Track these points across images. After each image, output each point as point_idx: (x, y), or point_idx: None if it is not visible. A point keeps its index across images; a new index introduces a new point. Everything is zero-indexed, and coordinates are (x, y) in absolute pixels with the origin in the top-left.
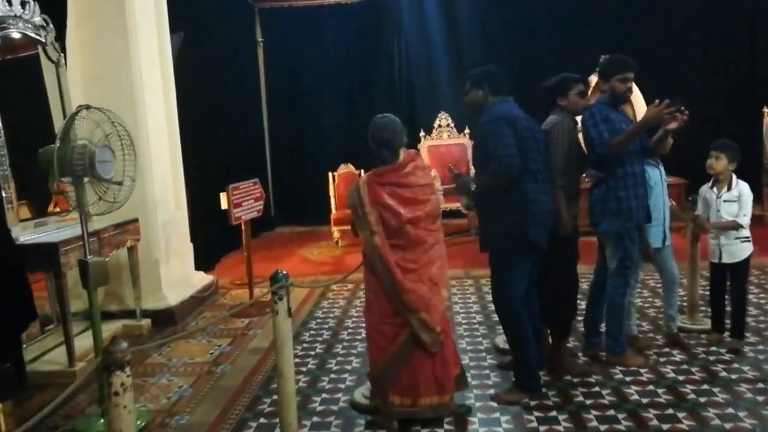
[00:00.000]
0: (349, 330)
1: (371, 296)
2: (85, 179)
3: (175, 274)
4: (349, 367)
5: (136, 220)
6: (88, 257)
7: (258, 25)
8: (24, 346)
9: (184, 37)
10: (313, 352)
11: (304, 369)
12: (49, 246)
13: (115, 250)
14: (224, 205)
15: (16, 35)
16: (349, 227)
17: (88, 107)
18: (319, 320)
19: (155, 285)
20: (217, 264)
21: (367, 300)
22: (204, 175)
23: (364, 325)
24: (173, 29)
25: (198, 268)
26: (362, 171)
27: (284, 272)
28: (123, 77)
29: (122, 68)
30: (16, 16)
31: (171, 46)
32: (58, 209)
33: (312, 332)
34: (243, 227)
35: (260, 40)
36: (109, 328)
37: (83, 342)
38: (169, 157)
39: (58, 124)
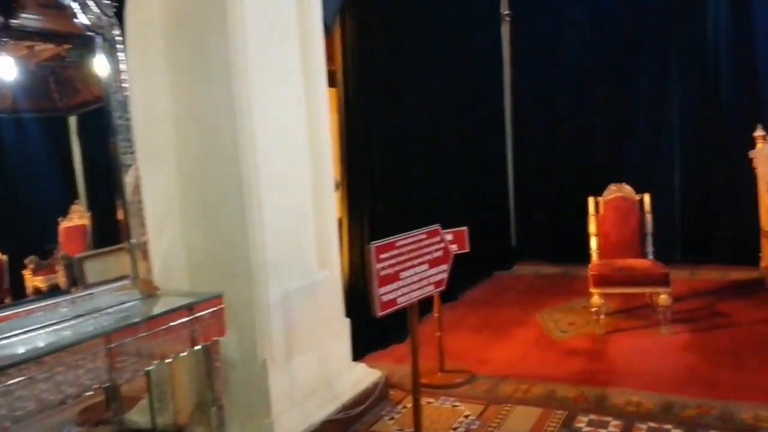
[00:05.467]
0: None
1: None
2: None
3: (305, 378)
4: None
5: (217, 297)
6: None
7: None
8: None
9: None
10: None
11: None
12: None
13: (165, 360)
14: None
15: None
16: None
17: None
18: None
19: (259, 405)
20: (406, 338)
21: None
22: (390, 205)
23: None
24: None
25: (360, 354)
26: (645, 196)
27: None
28: (214, 56)
29: (215, 42)
30: None
31: (323, 6)
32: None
33: None
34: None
35: (505, 12)
36: None
37: None
38: (311, 184)
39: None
